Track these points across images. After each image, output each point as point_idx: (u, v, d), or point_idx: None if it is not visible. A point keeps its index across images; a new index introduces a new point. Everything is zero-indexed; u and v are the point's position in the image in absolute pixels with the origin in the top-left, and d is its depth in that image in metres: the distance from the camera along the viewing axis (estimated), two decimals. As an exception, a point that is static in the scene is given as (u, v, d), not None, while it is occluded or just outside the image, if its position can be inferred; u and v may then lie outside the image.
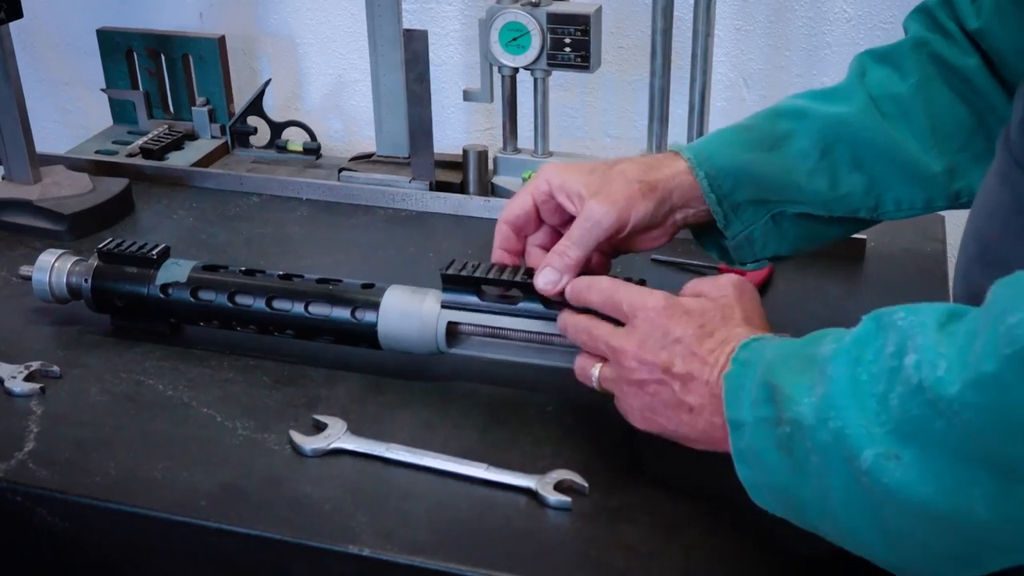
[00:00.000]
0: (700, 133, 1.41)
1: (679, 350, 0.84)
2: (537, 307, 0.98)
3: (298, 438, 0.96)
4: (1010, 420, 0.61)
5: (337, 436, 0.96)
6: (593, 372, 0.91)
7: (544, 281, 0.95)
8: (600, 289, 0.91)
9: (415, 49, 1.39)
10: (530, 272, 0.99)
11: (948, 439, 0.64)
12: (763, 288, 1.22)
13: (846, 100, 1.02)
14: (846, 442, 0.69)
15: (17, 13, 1.31)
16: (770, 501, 0.79)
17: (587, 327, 0.91)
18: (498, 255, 1.02)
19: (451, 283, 1.00)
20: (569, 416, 0.99)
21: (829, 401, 0.70)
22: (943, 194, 1.01)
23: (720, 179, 0.99)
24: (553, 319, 0.97)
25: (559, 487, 0.89)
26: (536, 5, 1.39)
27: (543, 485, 0.89)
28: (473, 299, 1.00)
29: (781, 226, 1.02)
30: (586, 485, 0.89)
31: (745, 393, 0.78)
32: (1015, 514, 0.63)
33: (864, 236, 1.30)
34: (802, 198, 1.01)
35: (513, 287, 0.99)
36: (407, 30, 1.40)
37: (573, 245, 0.95)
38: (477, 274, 1.00)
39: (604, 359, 0.90)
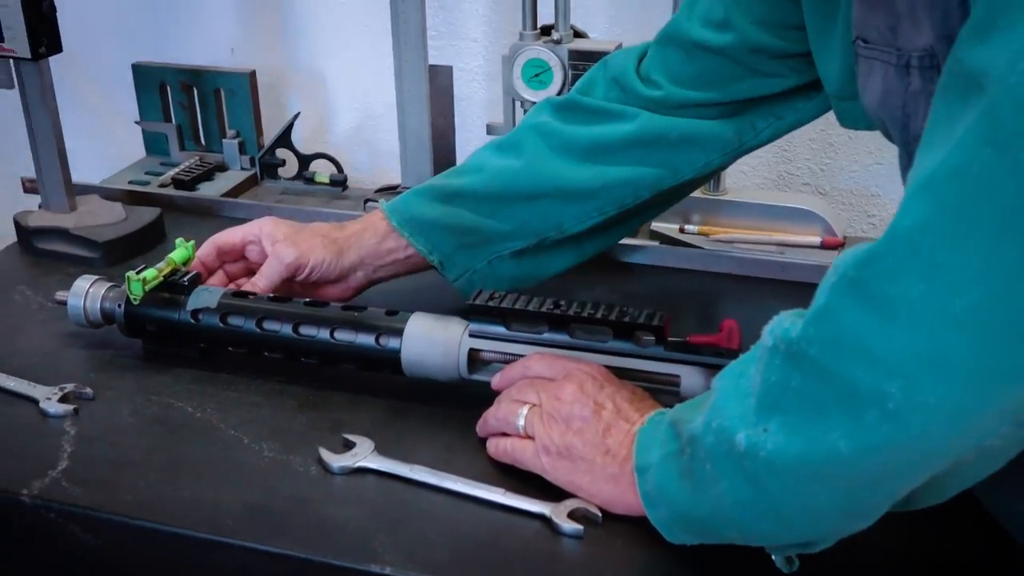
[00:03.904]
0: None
1: (613, 399, 0.94)
2: (562, 337, 1.01)
3: (326, 456, 0.98)
4: (845, 342, 0.67)
5: (364, 455, 0.99)
6: (522, 409, 0.96)
7: None
8: (542, 359, 1.01)
9: (440, 84, 1.43)
10: (556, 303, 1.02)
11: (803, 392, 0.71)
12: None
13: (516, 151, 1.18)
14: (724, 435, 0.76)
15: (57, 47, 1.35)
16: (681, 533, 0.86)
17: (528, 382, 0.99)
18: (194, 263, 1.19)
19: (479, 313, 1.03)
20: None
21: (714, 407, 0.79)
22: (612, 204, 1.17)
23: (422, 232, 1.17)
24: (577, 348, 1.01)
25: (573, 515, 0.91)
26: (558, 42, 1.42)
27: (557, 513, 0.91)
28: (500, 329, 1.03)
29: (497, 270, 1.19)
30: (599, 515, 0.91)
31: (655, 441, 0.86)
32: (870, 441, 0.68)
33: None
34: (493, 237, 1.17)
35: (540, 319, 1.02)
36: (432, 66, 1.43)
37: (261, 277, 1.16)
38: (503, 305, 1.03)
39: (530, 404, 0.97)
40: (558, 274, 1.23)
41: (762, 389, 0.74)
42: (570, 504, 0.91)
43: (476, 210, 1.17)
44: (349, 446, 1.00)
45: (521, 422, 0.96)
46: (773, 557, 0.82)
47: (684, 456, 0.82)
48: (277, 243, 1.16)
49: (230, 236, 1.21)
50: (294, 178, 1.69)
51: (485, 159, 1.20)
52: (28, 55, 1.32)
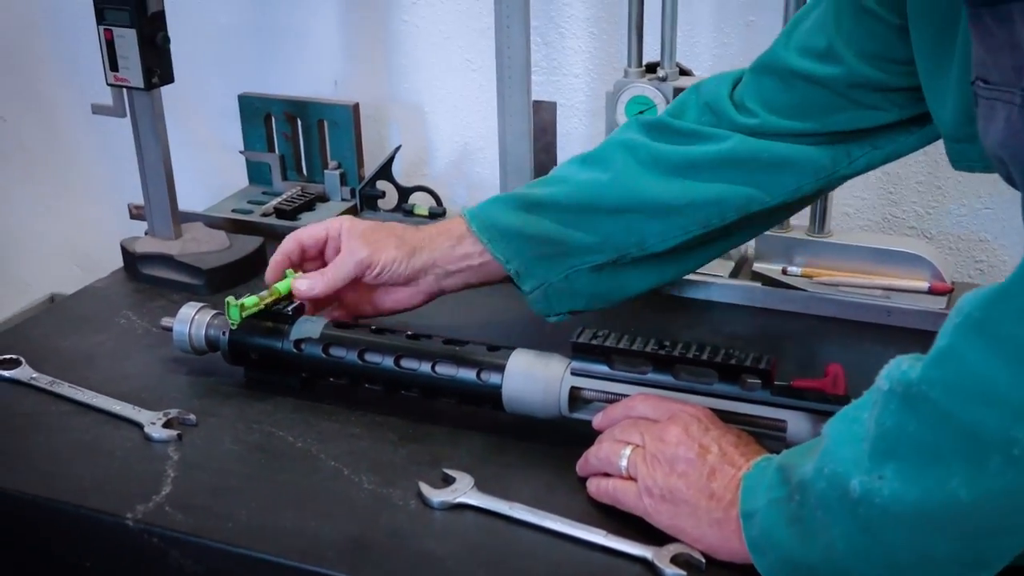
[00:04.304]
0: (824, 211, 1.41)
1: (719, 442, 0.92)
2: (666, 378, 1.00)
3: (426, 490, 0.98)
4: (969, 385, 0.66)
5: (464, 491, 0.98)
6: (624, 451, 0.95)
7: (299, 285, 1.16)
8: (646, 399, 0.99)
9: (544, 119, 1.43)
10: (661, 343, 1.01)
11: (921, 438, 0.70)
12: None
13: (603, 165, 1.15)
14: (838, 480, 0.75)
15: (169, 78, 1.38)
16: None
17: (632, 422, 0.98)
18: (279, 257, 1.20)
19: (582, 352, 1.02)
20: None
21: (825, 453, 0.78)
22: (697, 223, 1.14)
23: (502, 240, 1.15)
24: (681, 390, 0.99)
25: (675, 560, 0.89)
26: (663, 80, 1.41)
27: (660, 557, 0.89)
28: (603, 368, 1.02)
29: (574, 284, 1.16)
30: (703, 560, 0.89)
31: (762, 486, 0.85)
32: (993, 488, 0.67)
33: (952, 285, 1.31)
34: (574, 249, 1.15)
35: (643, 359, 1.01)
36: (536, 101, 1.44)
37: (331, 267, 1.16)
38: (607, 344, 1.02)
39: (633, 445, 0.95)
40: (635, 296, 1.21)
41: (877, 434, 0.73)
42: (673, 549, 0.90)
43: (559, 220, 1.15)
44: (449, 481, 0.99)
45: (624, 463, 0.94)
46: None
47: (793, 502, 0.80)
48: (351, 239, 1.16)
49: (313, 231, 1.21)
50: (394, 210, 1.70)
51: (570, 171, 1.19)
52: (141, 85, 1.36)
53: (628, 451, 0.95)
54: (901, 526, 0.73)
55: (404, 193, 1.69)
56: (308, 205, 1.69)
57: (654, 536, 0.92)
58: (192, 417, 1.11)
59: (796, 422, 0.97)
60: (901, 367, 0.73)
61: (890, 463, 0.72)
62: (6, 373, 1.19)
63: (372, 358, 1.10)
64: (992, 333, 0.65)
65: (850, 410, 0.80)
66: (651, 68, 1.43)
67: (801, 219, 1.45)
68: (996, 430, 0.65)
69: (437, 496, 0.97)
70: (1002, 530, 0.71)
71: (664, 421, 0.95)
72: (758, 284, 1.40)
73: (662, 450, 0.92)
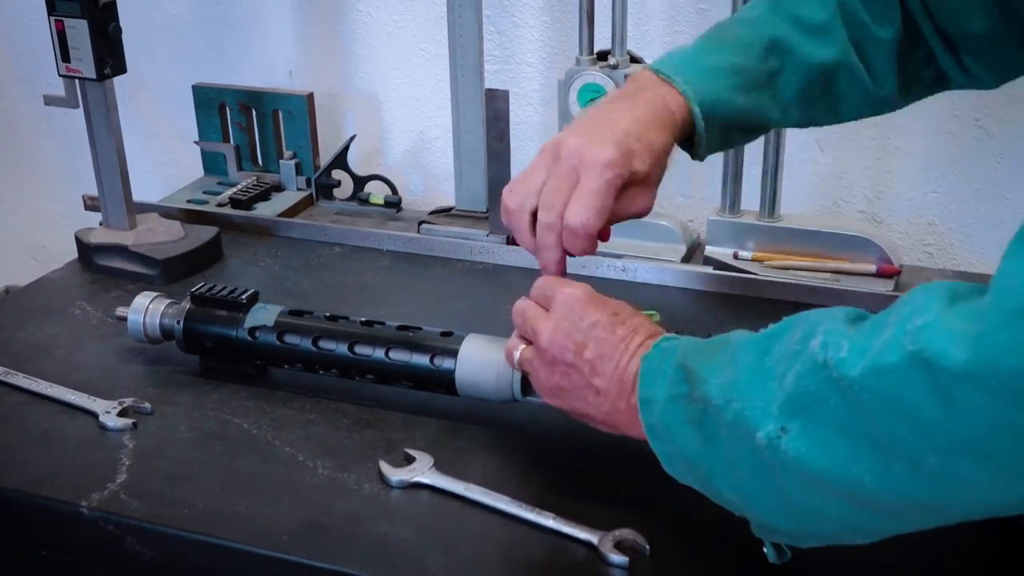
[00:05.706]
0: (774, 195, 1.43)
1: (594, 334, 0.90)
2: None
3: (386, 468, 1.00)
4: (899, 407, 0.66)
5: (423, 470, 1.00)
6: (516, 352, 0.97)
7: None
8: (537, 285, 0.98)
9: (496, 108, 1.44)
10: None
11: (839, 413, 0.70)
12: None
13: (830, 43, 1.04)
14: (746, 422, 0.75)
15: (121, 68, 1.38)
16: (681, 471, 0.85)
17: (522, 309, 0.97)
18: None
19: None
20: (639, 466, 1.01)
21: (734, 385, 0.78)
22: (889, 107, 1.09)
23: (715, 123, 1.02)
24: None
25: (619, 546, 0.90)
26: (614, 67, 1.43)
27: (604, 542, 0.90)
28: None
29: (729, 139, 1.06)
30: (647, 547, 0.90)
31: (661, 375, 0.85)
32: (896, 486, 0.68)
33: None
34: (770, 126, 1.09)
35: None
36: (489, 90, 1.44)
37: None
38: None
39: (529, 341, 0.96)
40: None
41: (794, 391, 0.72)
42: (618, 535, 0.91)
43: (776, 102, 1.05)
44: (410, 460, 1.01)
45: (516, 364, 0.98)
46: (764, 549, 0.83)
47: (695, 404, 0.81)
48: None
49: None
50: (349, 199, 1.70)
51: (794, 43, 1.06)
52: (93, 75, 1.35)
53: (519, 351, 0.97)
54: (802, 481, 0.73)
55: (359, 182, 1.70)
56: (263, 195, 1.69)
57: (605, 513, 0.93)
58: (147, 406, 1.11)
59: None
60: (840, 351, 0.70)
61: (798, 419, 0.72)
62: (-40, 365, 1.19)
63: (326, 345, 1.10)
64: (938, 381, 0.64)
65: (762, 339, 0.79)
66: (602, 56, 1.44)
67: (752, 204, 1.47)
68: (909, 448, 0.66)
69: (396, 475, 0.99)
70: (895, 516, 0.72)
71: (542, 317, 0.94)
72: (710, 268, 1.42)
73: (540, 355, 0.93)
